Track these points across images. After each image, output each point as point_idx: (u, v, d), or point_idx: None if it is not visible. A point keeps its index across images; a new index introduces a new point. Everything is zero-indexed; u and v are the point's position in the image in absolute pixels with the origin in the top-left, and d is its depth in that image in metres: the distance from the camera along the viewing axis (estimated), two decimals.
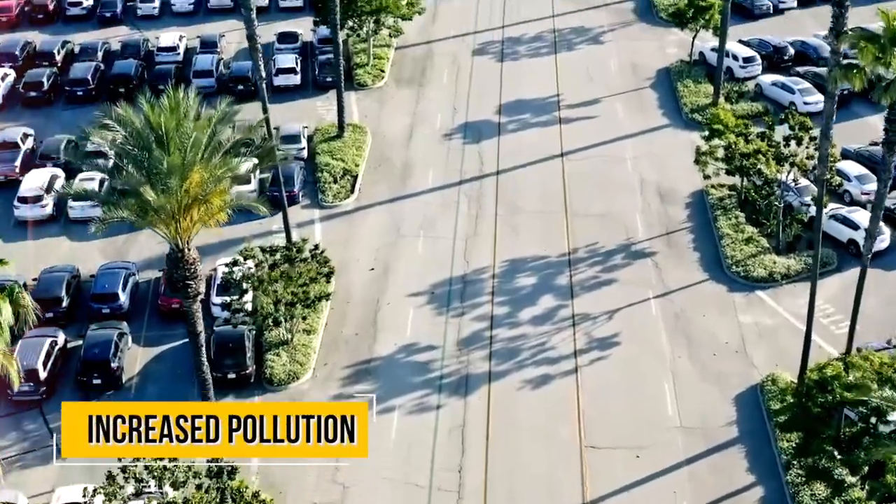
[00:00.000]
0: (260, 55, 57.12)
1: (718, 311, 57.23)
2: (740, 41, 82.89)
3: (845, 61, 47.90)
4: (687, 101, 76.98)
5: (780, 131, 62.26)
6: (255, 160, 47.85)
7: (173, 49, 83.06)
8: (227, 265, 54.88)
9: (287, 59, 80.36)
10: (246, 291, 53.12)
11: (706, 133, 64.41)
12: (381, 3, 78.27)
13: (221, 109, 43.91)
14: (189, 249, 43.22)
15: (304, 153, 71.12)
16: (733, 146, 61.13)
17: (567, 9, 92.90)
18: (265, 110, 57.22)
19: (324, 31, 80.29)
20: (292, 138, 70.90)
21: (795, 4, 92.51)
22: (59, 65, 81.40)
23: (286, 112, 76.11)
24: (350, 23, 79.12)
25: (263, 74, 57.71)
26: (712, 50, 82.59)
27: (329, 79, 77.75)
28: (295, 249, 54.90)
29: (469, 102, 78.22)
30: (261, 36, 58.42)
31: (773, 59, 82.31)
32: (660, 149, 72.29)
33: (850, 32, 45.88)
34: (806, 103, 75.71)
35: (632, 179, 69.02)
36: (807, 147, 59.76)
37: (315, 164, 69.92)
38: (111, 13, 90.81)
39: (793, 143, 60.18)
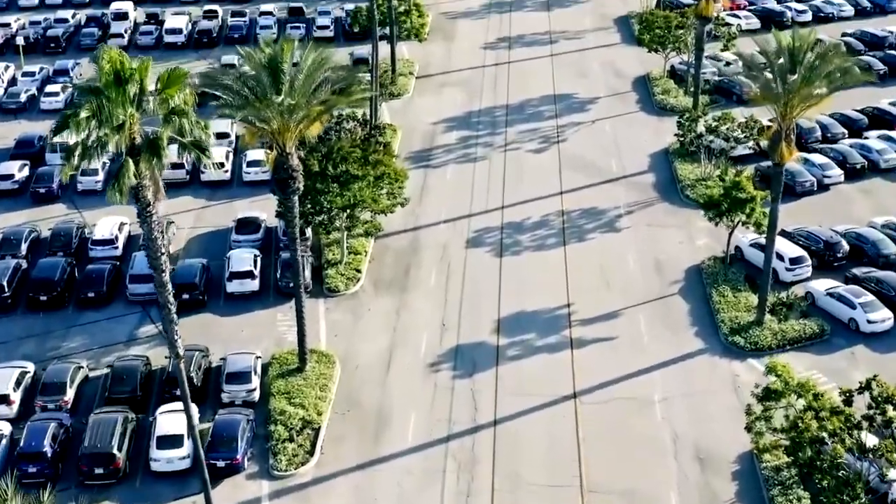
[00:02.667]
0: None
1: None
2: (783, 232, 69.51)
3: None
4: (725, 316, 63.47)
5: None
6: None
7: (110, 242, 69.81)
8: None
9: (243, 260, 67.04)
10: None
11: (759, 392, 50.59)
12: (354, 197, 65.21)
13: None
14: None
15: (256, 394, 57.37)
16: (799, 424, 47.19)
17: (577, 182, 79.92)
18: None
19: None
20: (239, 376, 57.25)
21: (842, 179, 79.55)
22: None
23: (236, 329, 62.76)
24: (319, 218, 66.00)
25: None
26: (751, 245, 69.49)
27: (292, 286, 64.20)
28: None
29: (461, 315, 64.78)
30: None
31: (825, 257, 69.03)
32: (695, 386, 58.71)
33: None
34: (870, 322, 62.41)
35: (663, 434, 55.18)
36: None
37: (268, 412, 56.01)
38: (45, 188, 77.78)
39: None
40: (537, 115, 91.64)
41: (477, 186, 79.73)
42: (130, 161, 38.46)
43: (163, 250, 40.95)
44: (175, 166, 77.78)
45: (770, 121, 78.13)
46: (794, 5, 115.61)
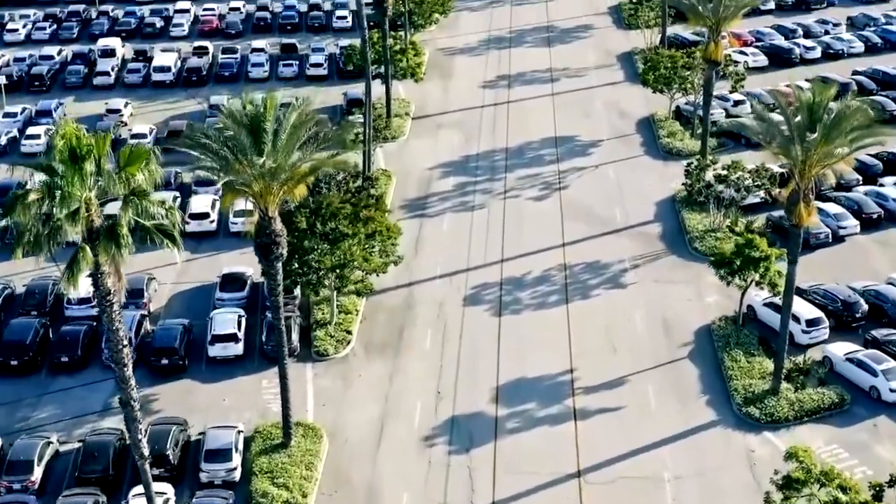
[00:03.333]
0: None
1: None
2: (798, 290, 65.53)
3: None
4: (738, 384, 59.62)
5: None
6: None
7: (87, 301, 65.93)
8: None
9: (226, 321, 63.25)
10: None
11: (779, 479, 46.63)
12: (344, 256, 61.47)
13: None
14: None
15: (237, 473, 53.44)
16: None
17: (580, 233, 76.19)
18: None
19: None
20: (220, 454, 53.36)
21: (858, 229, 75.84)
22: None
23: (217, 397, 58.99)
24: (306, 279, 62.24)
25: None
26: (765, 305, 65.73)
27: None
28: None
29: (458, 381, 60.98)
30: None
31: (843, 317, 65.23)
32: (707, 462, 54.87)
33: None
34: (893, 390, 58.66)
35: None
36: None
37: (249, 495, 52.06)
38: None
39: None
40: (538, 160, 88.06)
41: (475, 237, 76.01)
42: (87, 248, 34.68)
43: (125, 342, 37.10)
44: None
45: (781, 167, 74.83)
46: (802, 42, 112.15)
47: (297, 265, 61.65)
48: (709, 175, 76.83)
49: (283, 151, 50.05)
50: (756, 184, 75.23)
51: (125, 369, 38.13)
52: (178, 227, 38.23)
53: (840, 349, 61.84)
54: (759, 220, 75.45)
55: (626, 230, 76.86)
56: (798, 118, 55.10)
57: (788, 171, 57.79)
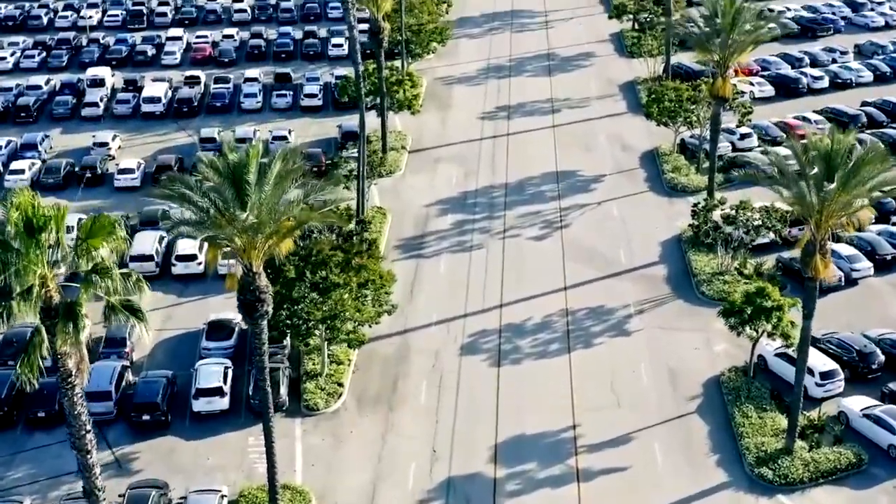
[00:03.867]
0: None
1: None
2: (811, 340, 62.40)
3: None
4: (749, 442, 56.58)
5: None
6: None
7: None
8: None
9: (211, 374, 60.25)
10: None
11: None
12: (334, 308, 58.48)
13: None
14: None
15: None
16: None
17: (582, 276, 73.24)
18: None
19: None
20: None
21: (871, 272, 72.89)
22: None
23: (201, 456, 55.94)
24: (295, 330, 59.25)
25: None
26: (777, 355, 62.76)
27: None
28: None
29: (454, 439, 57.95)
30: None
31: (858, 368, 62.23)
32: None
33: None
34: None
35: None
36: None
37: None
38: None
39: None
40: (538, 196, 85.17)
41: (473, 280, 73.03)
42: (44, 329, 31.67)
43: (88, 427, 34.04)
44: (143, 258, 71.62)
45: (791, 204, 71.59)
46: (809, 71, 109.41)
47: (285, 315, 58.68)
48: (716, 216, 73.87)
49: (267, 204, 47.20)
50: (766, 225, 72.26)
51: (88, 456, 35.06)
52: (146, 292, 35.16)
53: (856, 404, 58.84)
54: (769, 262, 72.65)
55: (630, 272, 73.92)
56: (815, 170, 52.04)
57: (801, 216, 54.89)
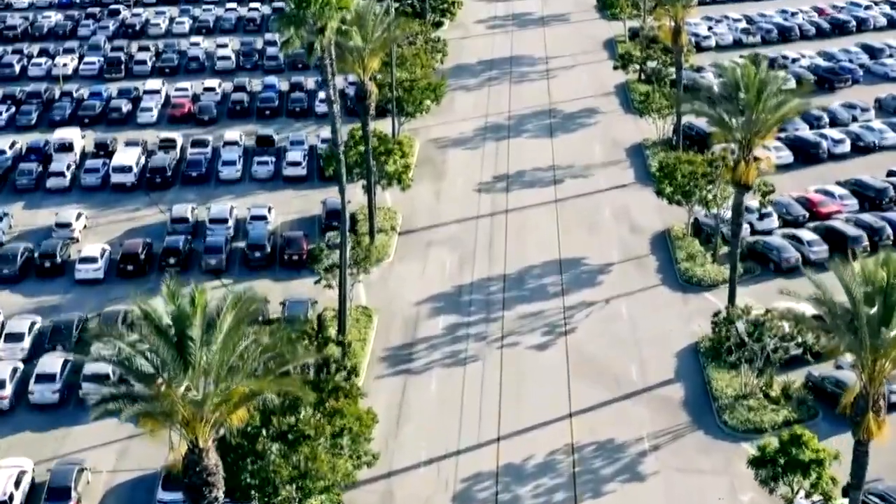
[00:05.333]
0: None
1: None
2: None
3: None
4: None
5: None
6: None
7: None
8: None
9: None
10: None
11: None
12: (305, 465, 50.74)
13: None
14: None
15: None
16: None
17: (589, 399, 65.82)
18: None
19: None
20: None
21: None
22: None
23: None
24: (259, 494, 51.54)
25: None
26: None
27: None
28: None
29: None
30: None
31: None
32: None
33: None
34: None
35: None
36: None
37: None
38: None
39: None
40: (540, 291, 77.55)
41: (467, 404, 65.45)
42: None
43: None
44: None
45: (817, 314, 63.50)
46: (829, 133, 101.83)
47: (248, 475, 50.98)
48: (739, 327, 65.99)
49: (215, 368, 40.19)
50: (796, 342, 64.64)
51: None
52: None
53: None
54: (798, 382, 65.20)
55: (643, 393, 66.31)
56: (872, 310, 44.61)
57: (854, 365, 47.44)
